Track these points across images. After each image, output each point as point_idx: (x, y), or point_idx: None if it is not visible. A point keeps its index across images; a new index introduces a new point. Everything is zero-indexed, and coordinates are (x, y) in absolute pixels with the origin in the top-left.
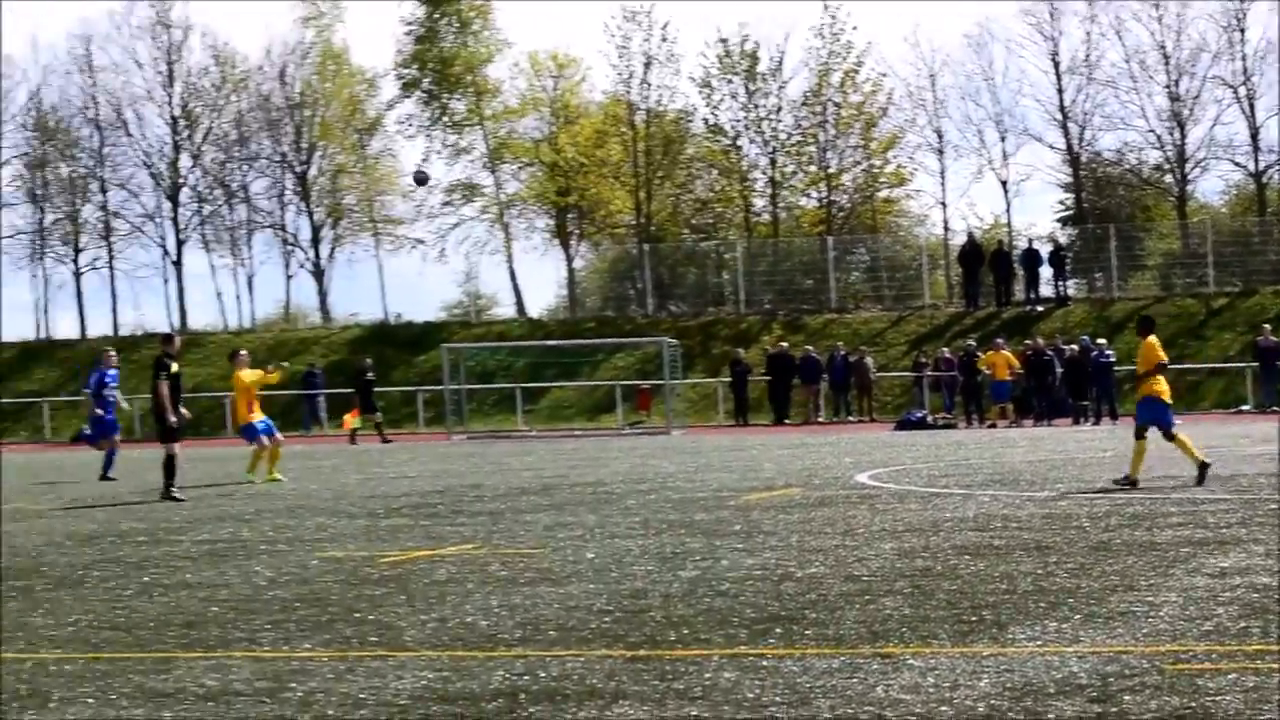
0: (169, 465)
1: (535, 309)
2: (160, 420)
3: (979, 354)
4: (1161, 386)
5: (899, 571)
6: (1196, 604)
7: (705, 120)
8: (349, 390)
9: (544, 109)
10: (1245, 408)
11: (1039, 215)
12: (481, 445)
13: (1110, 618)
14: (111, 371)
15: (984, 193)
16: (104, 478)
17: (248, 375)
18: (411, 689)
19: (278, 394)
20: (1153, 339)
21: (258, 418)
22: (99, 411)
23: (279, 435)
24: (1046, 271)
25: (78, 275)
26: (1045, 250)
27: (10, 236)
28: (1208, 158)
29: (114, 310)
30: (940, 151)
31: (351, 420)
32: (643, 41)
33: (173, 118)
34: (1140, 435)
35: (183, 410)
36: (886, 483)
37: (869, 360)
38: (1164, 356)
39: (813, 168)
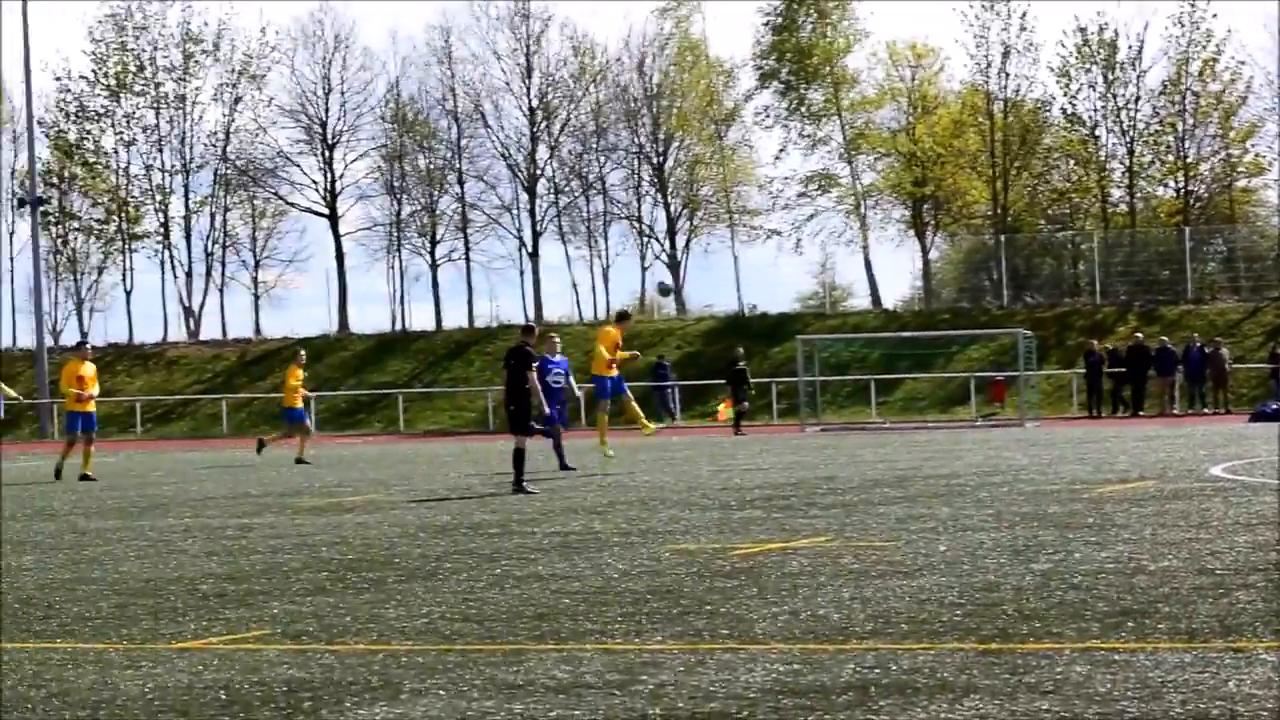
0: (519, 457)
1: (890, 300)
2: (526, 411)
3: None
4: None
5: (1253, 565)
6: None
7: (1063, 110)
8: (718, 381)
9: (901, 99)
10: None
11: None
12: (835, 437)
13: None
14: (557, 359)
15: None
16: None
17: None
18: (762, 682)
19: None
20: None
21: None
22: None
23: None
24: None
25: (434, 267)
26: None
27: (368, 229)
28: None
29: (469, 302)
30: None
31: (726, 411)
32: (1001, 31)
33: (530, 109)
34: None
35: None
36: (1241, 475)
37: (1225, 351)
38: None
39: (1170, 157)
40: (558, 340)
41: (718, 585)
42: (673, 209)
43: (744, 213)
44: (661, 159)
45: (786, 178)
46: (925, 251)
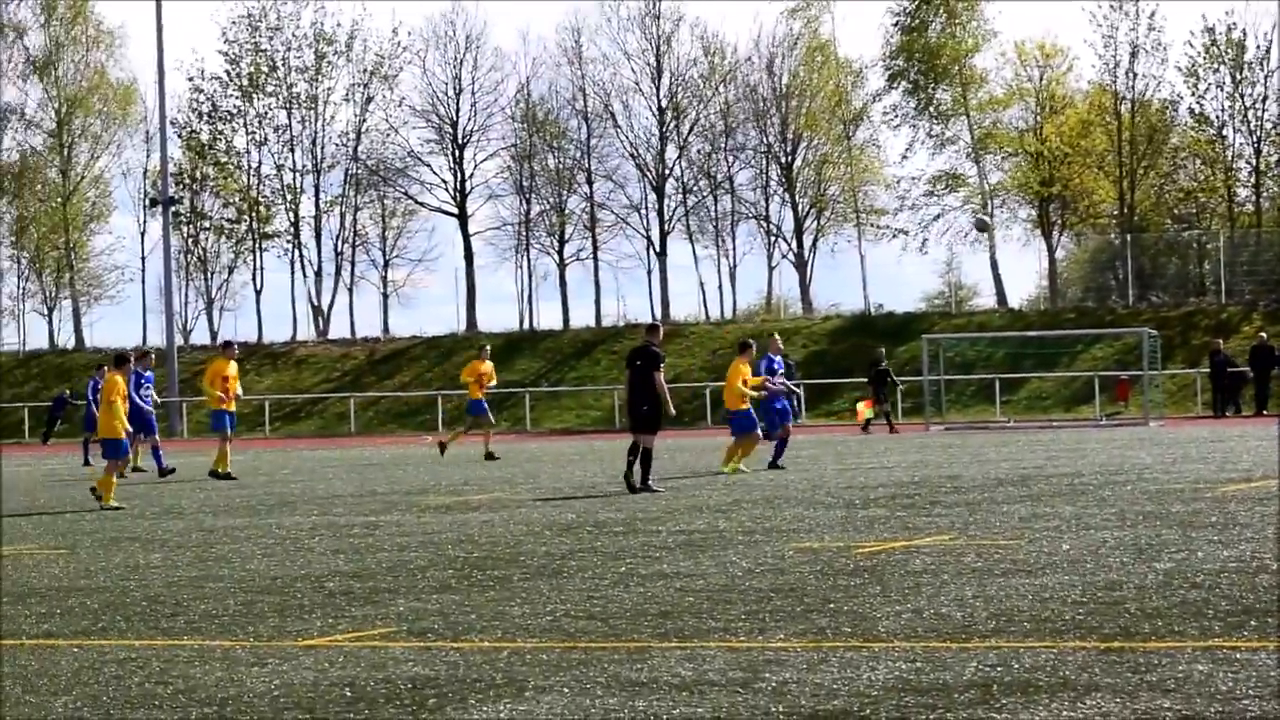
0: (647, 457)
1: (1015, 299)
2: (656, 411)
3: None
4: None
5: None
6: None
7: (1190, 110)
8: (844, 379)
9: (1029, 99)
10: None
11: None
12: (960, 436)
13: None
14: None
15: None
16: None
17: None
18: (885, 680)
19: None
20: None
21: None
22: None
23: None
24: None
25: (562, 266)
26: None
27: (497, 228)
28: None
29: (597, 301)
30: None
31: (865, 410)
32: (1129, 31)
33: (660, 109)
34: None
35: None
36: None
37: None
38: None
39: None
40: (779, 339)
41: (841, 583)
42: (800, 208)
43: (870, 212)
44: (790, 158)
45: (914, 177)
46: (1051, 251)
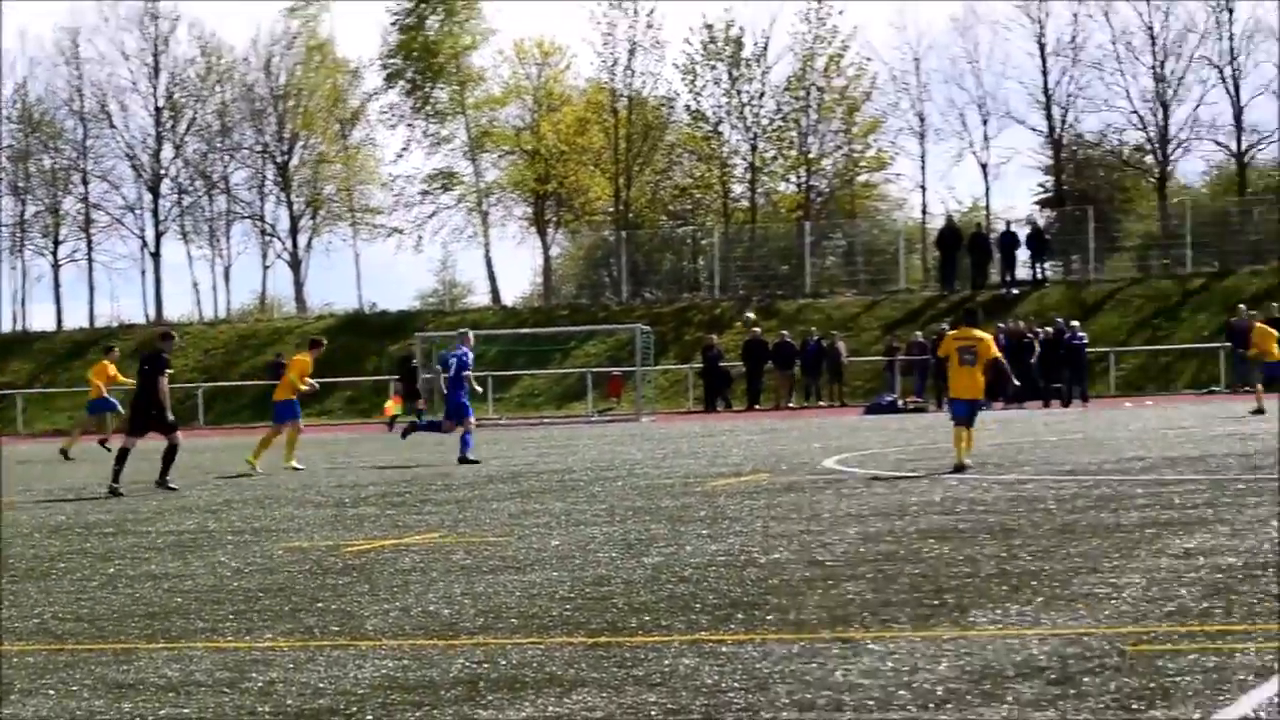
0: (170, 454)
1: (510, 297)
2: (162, 413)
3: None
4: None
5: (862, 556)
6: (1160, 585)
7: (687, 107)
8: (393, 377)
9: (527, 97)
10: (1216, 389)
11: (1018, 198)
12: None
13: (1073, 600)
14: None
15: (964, 176)
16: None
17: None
18: (372, 678)
19: (250, 385)
20: None
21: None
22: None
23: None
24: (1023, 254)
25: (56, 267)
26: (1023, 233)
27: None
28: (1190, 138)
29: (90, 302)
30: (922, 135)
31: (392, 407)
32: (628, 28)
33: (157, 109)
34: None
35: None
36: (854, 467)
37: (841, 345)
38: None
39: (793, 153)
40: (471, 334)
41: (330, 582)
42: (295, 207)
43: (366, 211)
44: (286, 158)
45: (409, 176)
46: (546, 248)
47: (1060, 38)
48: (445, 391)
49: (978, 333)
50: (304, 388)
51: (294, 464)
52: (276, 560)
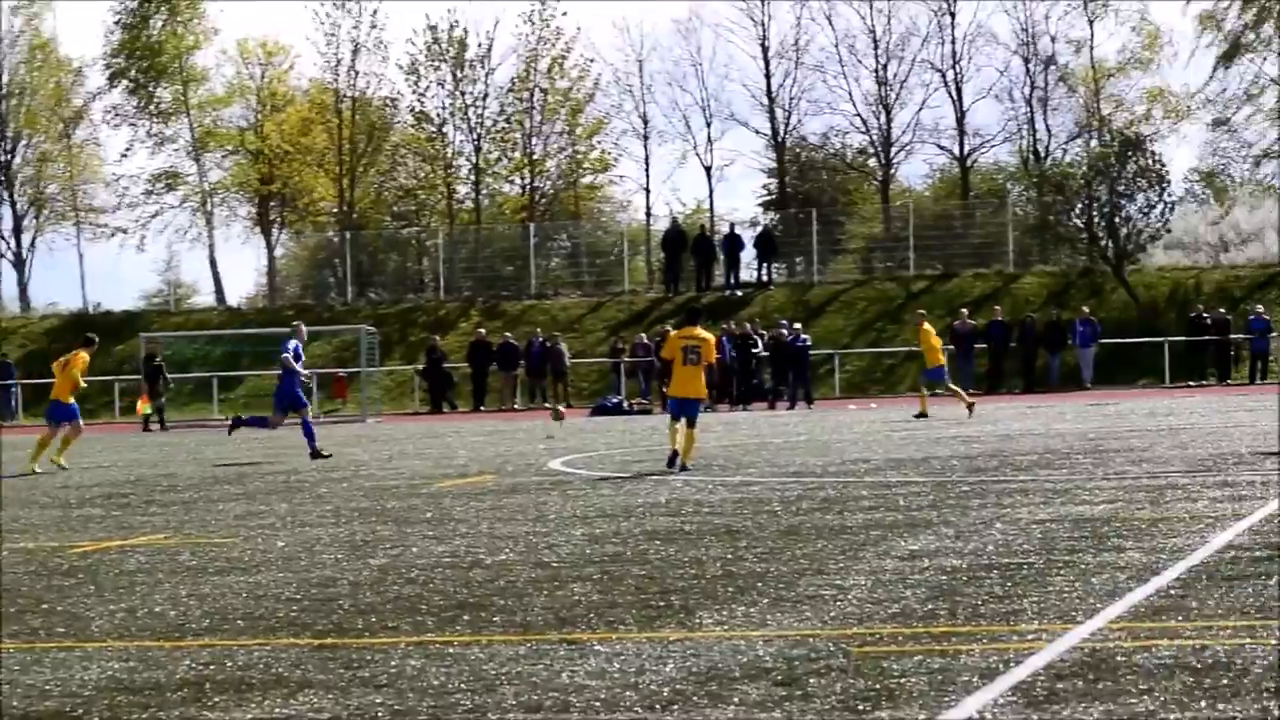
0: None
1: (235, 297)
2: None
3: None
4: None
5: (588, 558)
6: (885, 586)
7: (411, 108)
8: (135, 376)
9: (251, 97)
10: (940, 391)
11: (742, 200)
12: (177, 434)
13: (798, 601)
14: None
15: (688, 178)
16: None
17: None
18: (97, 679)
19: None
20: None
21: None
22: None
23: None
24: (747, 256)
25: None
26: (748, 235)
27: None
28: (913, 141)
29: None
30: (645, 137)
31: (143, 406)
32: (352, 29)
33: None
34: None
35: None
36: (580, 469)
37: (563, 346)
38: None
39: (517, 154)
40: (304, 327)
41: (55, 584)
42: (19, 207)
43: (90, 210)
44: (9, 157)
45: (133, 175)
46: (271, 249)
47: (783, 40)
48: (279, 384)
49: (701, 333)
50: (83, 384)
51: (61, 462)
52: (4, 562)
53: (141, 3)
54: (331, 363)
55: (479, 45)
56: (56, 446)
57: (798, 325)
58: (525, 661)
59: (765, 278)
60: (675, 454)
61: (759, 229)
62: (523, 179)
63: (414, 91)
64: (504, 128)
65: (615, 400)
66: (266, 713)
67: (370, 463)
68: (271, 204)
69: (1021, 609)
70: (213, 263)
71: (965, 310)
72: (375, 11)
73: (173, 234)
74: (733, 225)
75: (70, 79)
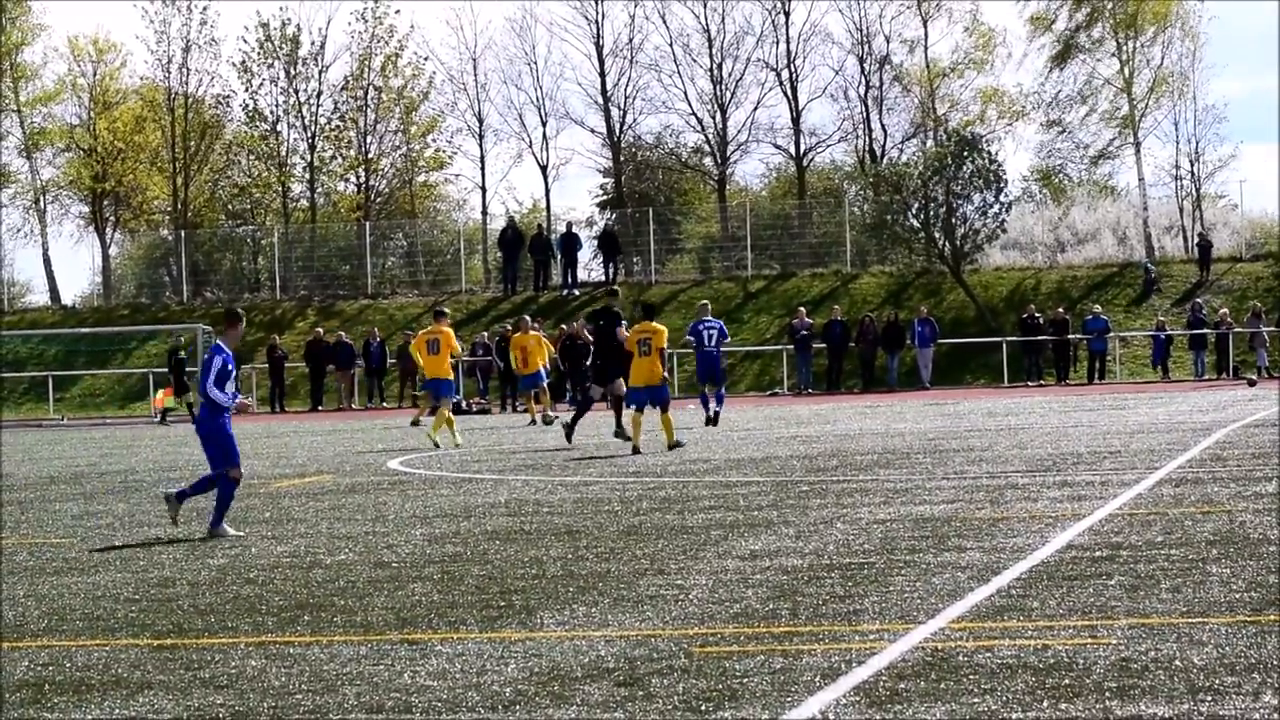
0: None
1: (69, 296)
2: None
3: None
4: None
5: (429, 558)
6: (726, 586)
7: (244, 105)
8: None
9: (83, 94)
10: (779, 390)
11: (578, 199)
12: (11, 434)
13: (639, 601)
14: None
15: (524, 177)
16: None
17: None
18: None
19: None
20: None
21: None
22: None
23: None
24: (585, 255)
25: None
26: (585, 235)
27: None
28: (749, 141)
29: None
30: (481, 136)
31: (164, 399)
32: (182, 26)
33: None
34: None
35: None
36: (419, 469)
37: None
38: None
39: (352, 153)
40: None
41: None
42: None
43: None
44: None
45: None
46: (105, 248)
47: (618, 38)
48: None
49: (655, 325)
50: None
51: None
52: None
53: None
54: (168, 362)
55: (312, 43)
56: None
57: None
58: (366, 662)
59: (608, 277)
60: (637, 449)
61: (600, 228)
62: (358, 177)
63: (247, 89)
64: (338, 126)
65: (454, 400)
66: (107, 713)
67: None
68: (105, 202)
69: (863, 609)
70: (47, 261)
71: (803, 310)
72: (205, 9)
73: (5, 232)
74: (570, 224)
75: None
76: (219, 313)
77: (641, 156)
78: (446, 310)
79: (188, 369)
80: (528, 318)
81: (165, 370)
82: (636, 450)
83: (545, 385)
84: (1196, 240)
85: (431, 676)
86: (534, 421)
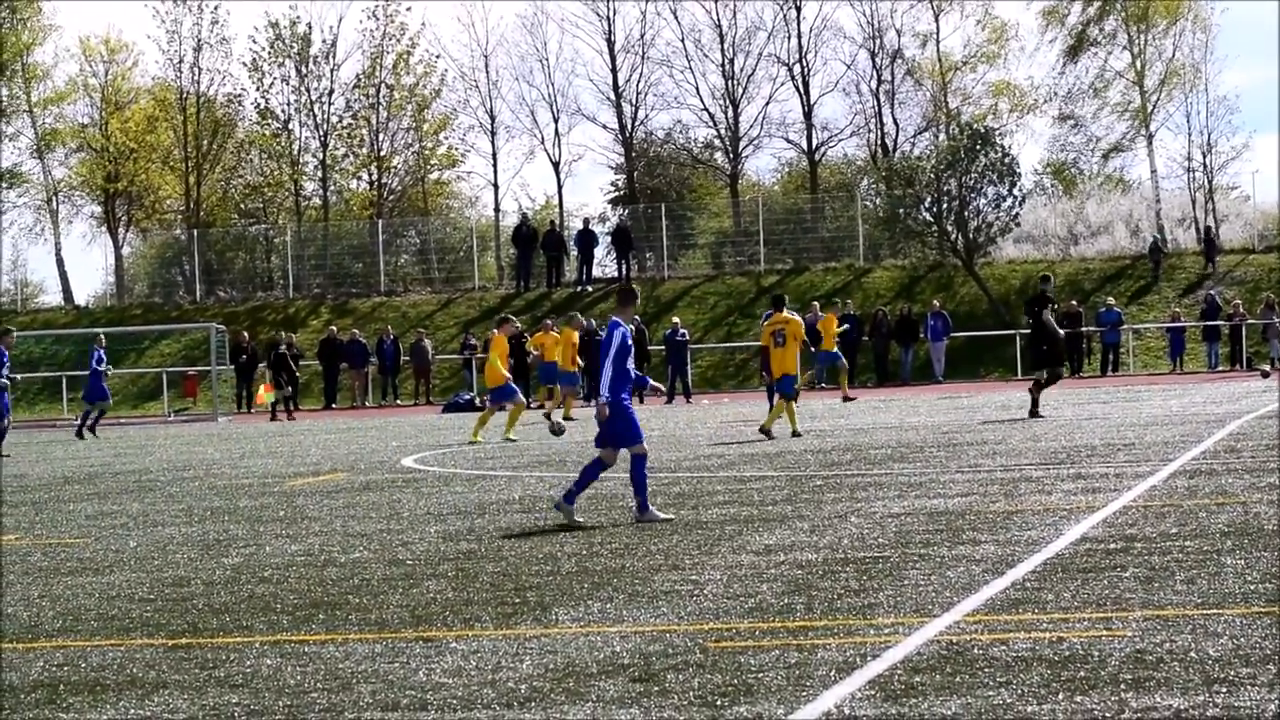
0: None
1: (82, 296)
2: None
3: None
4: None
5: (443, 555)
6: (741, 581)
7: (256, 104)
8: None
9: (94, 95)
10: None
11: (590, 195)
12: (26, 434)
13: (654, 597)
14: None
15: (536, 173)
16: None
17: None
18: None
19: None
20: None
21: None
22: None
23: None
24: (599, 252)
25: None
26: (600, 230)
27: None
28: (761, 135)
29: None
30: (493, 133)
31: (266, 394)
32: (193, 26)
33: None
34: None
35: None
36: (432, 466)
37: (427, 343)
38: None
39: (364, 150)
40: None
41: None
42: None
43: None
44: None
45: None
46: (118, 247)
47: (629, 35)
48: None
49: (787, 315)
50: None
51: None
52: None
53: None
54: (181, 361)
55: (323, 41)
56: None
57: (676, 320)
58: (382, 660)
59: (623, 273)
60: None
61: (613, 225)
62: (370, 175)
63: (258, 88)
64: (350, 124)
65: (467, 397)
66: (122, 714)
67: (222, 461)
68: (118, 202)
69: (878, 603)
70: (59, 261)
71: (817, 304)
72: (216, 8)
73: (18, 232)
74: (587, 221)
75: None
76: (232, 312)
77: (653, 152)
78: (510, 317)
79: (291, 363)
80: (578, 314)
81: (265, 366)
82: (769, 435)
83: (574, 387)
84: (1203, 233)
85: (447, 674)
86: (548, 415)
